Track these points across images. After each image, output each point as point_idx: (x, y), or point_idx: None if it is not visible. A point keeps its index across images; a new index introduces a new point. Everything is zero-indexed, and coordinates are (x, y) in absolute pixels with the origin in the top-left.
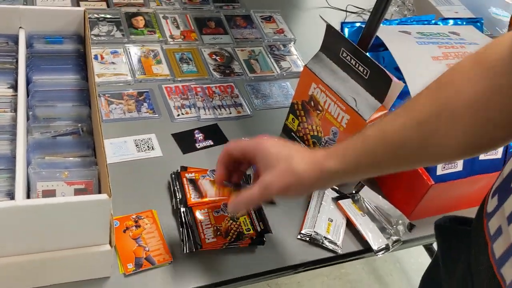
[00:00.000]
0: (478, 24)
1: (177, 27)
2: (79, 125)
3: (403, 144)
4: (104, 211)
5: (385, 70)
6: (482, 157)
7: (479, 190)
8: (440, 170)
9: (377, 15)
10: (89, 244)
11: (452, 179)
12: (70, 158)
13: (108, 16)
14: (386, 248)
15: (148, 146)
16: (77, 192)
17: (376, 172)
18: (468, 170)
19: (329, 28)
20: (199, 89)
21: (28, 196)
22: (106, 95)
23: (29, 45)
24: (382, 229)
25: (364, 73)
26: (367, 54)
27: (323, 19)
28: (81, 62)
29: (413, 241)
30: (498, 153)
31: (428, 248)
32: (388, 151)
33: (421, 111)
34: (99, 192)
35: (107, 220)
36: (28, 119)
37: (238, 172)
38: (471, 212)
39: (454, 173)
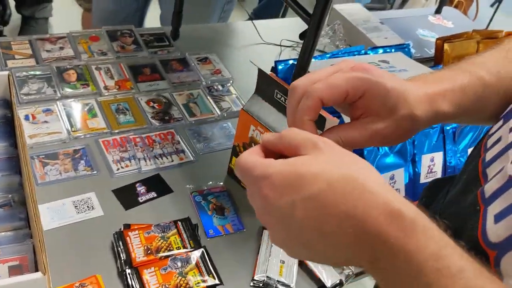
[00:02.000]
0: (406, 49)
1: (111, 77)
2: (10, 195)
3: None
4: None
5: None
6: (423, 180)
7: None
8: None
9: (307, 53)
10: None
11: None
12: (2, 233)
13: (38, 72)
14: (340, 284)
15: (88, 206)
16: (12, 269)
17: (471, 118)
18: (410, 195)
19: (261, 72)
20: (138, 140)
21: None
22: (40, 156)
23: None
24: None
25: None
26: None
27: (253, 63)
28: (9, 128)
29: (364, 273)
30: (437, 174)
31: None
32: (501, 98)
33: None
34: (36, 266)
35: None
36: None
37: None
38: None
39: None
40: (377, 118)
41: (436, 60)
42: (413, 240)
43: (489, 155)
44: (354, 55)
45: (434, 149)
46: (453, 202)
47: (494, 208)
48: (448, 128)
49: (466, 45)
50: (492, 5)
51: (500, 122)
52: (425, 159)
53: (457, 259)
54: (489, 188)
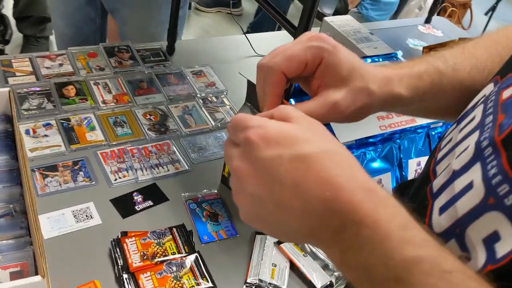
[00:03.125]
0: (394, 58)
1: (109, 91)
2: (11, 206)
3: (472, 85)
4: None
5: None
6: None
7: None
8: None
9: None
10: None
11: None
12: (3, 241)
13: (38, 88)
14: (330, 285)
15: (86, 216)
16: (13, 275)
17: (427, 109)
18: None
19: (250, 83)
20: (135, 151)
21: None
22: (41, 168)
23: None
24: (325, 267)
25: None
26: (291, 100)
27: (242, 75)
28: (9, 142)
29: None
30: None
31: None
32: (456, 91)
33: (480, 59)
34: (36, 272)
35: None
36: None
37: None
38: None
39: None
40: (333, 88)
41: None
42: (382, 212)
43: (440, 155)
44: None
45: (420, 153)
46: (409, 200)
47: (439, 202)
48: (433, 133)
49: None
50: (486, 13)
51: (454, 125)
52: (412, 164)
53: (421, 232)
54: (437, 183)
